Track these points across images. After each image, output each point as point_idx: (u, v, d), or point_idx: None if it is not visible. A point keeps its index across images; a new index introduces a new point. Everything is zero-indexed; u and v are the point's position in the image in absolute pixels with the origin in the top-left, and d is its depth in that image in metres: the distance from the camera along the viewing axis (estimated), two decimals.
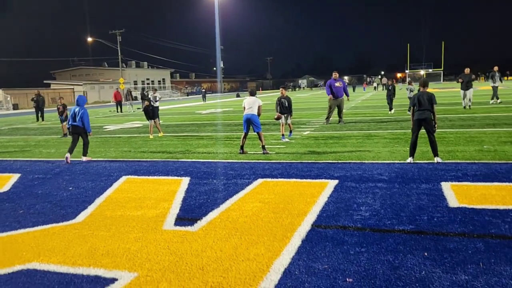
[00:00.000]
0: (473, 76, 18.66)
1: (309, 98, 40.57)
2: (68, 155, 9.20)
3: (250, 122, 9.07)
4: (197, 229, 4.57)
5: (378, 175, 6.59)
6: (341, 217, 4.70)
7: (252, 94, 9.54)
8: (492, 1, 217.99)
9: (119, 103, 29.91)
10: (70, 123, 9.38)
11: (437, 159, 7.26)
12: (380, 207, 4.97)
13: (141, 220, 4.99)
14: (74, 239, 4.45)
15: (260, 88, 28.73)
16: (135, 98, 45.27)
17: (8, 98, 48.50)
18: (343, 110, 15.11)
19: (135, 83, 73.96)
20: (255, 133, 9.22)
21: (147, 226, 4.77)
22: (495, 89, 19.74)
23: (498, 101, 19.37)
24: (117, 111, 29.58)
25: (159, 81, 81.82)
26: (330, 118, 14.89)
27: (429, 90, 7.50)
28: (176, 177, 7.23)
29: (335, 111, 14.82)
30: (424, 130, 7.37)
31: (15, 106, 47.01)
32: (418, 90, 7.60)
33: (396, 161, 7.59)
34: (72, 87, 64.60)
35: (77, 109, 9.20)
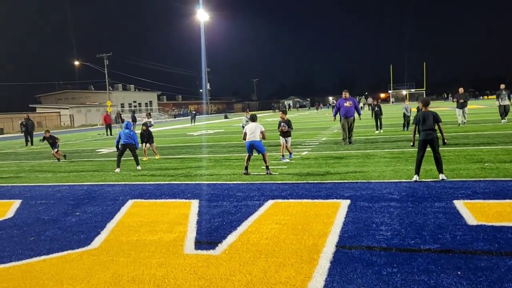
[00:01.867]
0: (467, 95, 19.02)
1: (299, 118, 40.93)
2: (118, 169, 11.00)
3: (253, 148, 9.27)
4: (220, 253, 4.51)
5: (388, 194, 6.64)
6: (363, 237, 4.70)
7: (253, 120, 9.72)
8: (473, 23, 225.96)
9: (108, 126, 29.67)
10: (123, 141, 11.25)
11: (442, 176, 7.36)
12: (399, 226, 4.99)
13: (160, 245, 4.90)
14: (95, 266, 4.34)
15: (248, 110, 28.93)
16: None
17: None
18: (353, 130, 14.38)
19: (122, 105, 73.65)
20: (259, 154, 9.46)
21: (167, 251, 4.69)
22: (502, 108, 18.72)
23: (503, 121, 18.50)
24: (107, 134, 29.30)
25: (146, 104, 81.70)
26: (346, 139, 14.07)
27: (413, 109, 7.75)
28: (184, 200, 7.16)
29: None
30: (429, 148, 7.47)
31: (0, 131, 46.20)
32: (419, 110, 7.76)
33: (402, 180, 7.66)
34: (58, 110, 63.99)
35: (127, 131, 11.32)
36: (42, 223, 6.22)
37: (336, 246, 4.46)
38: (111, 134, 29.09)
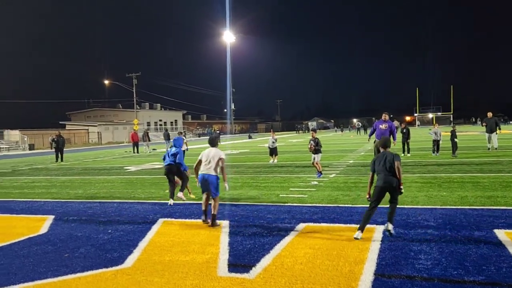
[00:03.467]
0: (496, 120, 18.54)
1: (323, 140, 40.62)
2: (171, 201, 8.76)
3: (206, 184, 6.77)
4: (255, 277, 4.44)
5: (424, 221, 6.44)
6: (401, 265, 4.54)
7: (212, 143, 7.08)
8: (503, 48, 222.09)
9: (135, 144, 30.21)
10: (166, 162, 8.98)
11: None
12: (439, 255, 4.81)
13: (193, 266, 4.87)
14: (130, 286, 4.34)
15: (272, 130, 29.00)
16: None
17: (25, 139, 49.31)
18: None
19: (148, 124, 75.08)
20: (214, 198, 6.77)
21: (200, 273, 4.65)
22: None
23: None
24: (134, 152, 29.80)
25: (171, 122, 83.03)
26: None
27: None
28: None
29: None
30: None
31: (31, 147, 47.68)
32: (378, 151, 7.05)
33: (437, 206, 7.44)
34: (87, 128, 65.72)
35: (174, 150, 8.98)
36: (75, 240, 6.30)
37: (375, 274, 4.33)
38: (137, 152, 29.58)
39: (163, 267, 4.89)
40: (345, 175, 12.30)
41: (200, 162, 7.01)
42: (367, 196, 5.87)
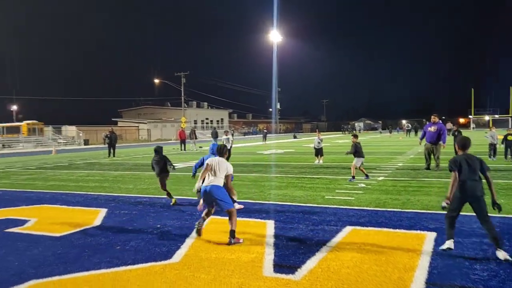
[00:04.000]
0: None
1: (370, 141, 39.71)
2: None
3: (211, 199, 5.86)
4: (300, 278, 4.41)
5: (479, 229, 6.08)
6: (455, 275, 4.33)
7: (221, 153, 6.24)
8: None
9: (183, 142, 30.98)
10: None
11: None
12: (497, 266, 4.54)
13: (238, 264, 4.91)
14: (178, 281, 4.45)
15: (318, 130, 28.63)
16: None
17: (81, 134, 52.00)
18: (439, 156, 13.41)
19: (195, 122, 76.75)
20: (227, 211, 5.91)
21: (246, 271, 4.68)
22: None
23: None
24: (181, 149, 30.58)
25: (217, 121, 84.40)
26: (430, 165, 13.40)
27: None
28: (259, 220, 7.16)
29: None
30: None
31: (86, 142, 50.23)
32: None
33: (494, 215, 7.01)
34: (137, 125, 68.26)
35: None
36: (126, 233, 6.55)
37: (426, 283, 4.16)
38: (184, 149, 30.32)
39: (209, 264, 4.97)
40: (394, 178, 11.93)
41: (208, 167, 6.05)
42: (446, 201, 5.01)
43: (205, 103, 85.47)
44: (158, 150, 9.08)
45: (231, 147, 19.95)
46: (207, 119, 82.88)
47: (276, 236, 6.12)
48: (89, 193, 10.97)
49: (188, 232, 6.46)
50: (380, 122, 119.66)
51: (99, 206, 8.96)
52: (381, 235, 5.98)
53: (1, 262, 5.25)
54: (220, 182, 5.95)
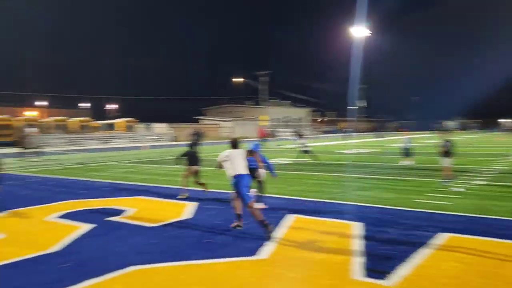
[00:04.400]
0: None
1: (466, 142, 36.79)
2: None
3: (244, 184, 6.42)
4: (393, 284, 4.18)
5: None
6: None
7: (234, 145, 6.93)
8: None
9: (263, 139, 31.38)
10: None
11: None
12: None
13: (327, 265, 4.80)
14: (266, 277, 4.47)
15: (405, 129, 27.03)
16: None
17: (170, 131, 55.18)
18: None
19: (276, 120, 77.38)
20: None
21: (334, 273, 4.55)
22: None
23: None
24: (262, 147, 31.03)
25: (298, 119, 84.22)
26: None
27: None
28: (347, 221, 6.94)
29: None
30: None
31: (174, 138, 53.20)
32: None
33: None
34: (218, 122, 70.68)
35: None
36: (215, 227, 6.76)
37: None
38: (264, 148, 30.70)
39: (298, 262, 4.92)
40: (495, 183, 10.88)
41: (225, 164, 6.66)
42: None
43: (286, 102, 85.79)
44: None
45: (306, 146, 19.54)
46: (287, 117, 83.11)
47: (365, 238, 5.89)
48: (177, 187, 11.53)
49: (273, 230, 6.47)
50: (478, 121, 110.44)
51: (191, 200, 9.35)
52: (484, 244, 5.46)
53: (106, 247, 5.72)
54: (244, 169, 6.68)
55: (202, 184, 10.01)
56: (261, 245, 5.67)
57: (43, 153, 24.36)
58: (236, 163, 6.57)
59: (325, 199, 9.08)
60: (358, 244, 5.60)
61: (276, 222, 6.94)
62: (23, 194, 10.51)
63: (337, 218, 7.21)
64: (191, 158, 9.97)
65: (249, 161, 7.04)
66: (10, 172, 15.75)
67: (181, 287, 4.30)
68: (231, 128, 65.70)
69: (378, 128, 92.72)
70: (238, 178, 6.45)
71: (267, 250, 5.45)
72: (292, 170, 14.99)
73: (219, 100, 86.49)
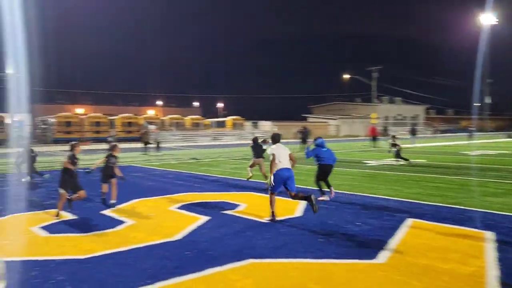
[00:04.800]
0: None
1: None
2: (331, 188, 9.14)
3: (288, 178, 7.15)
4: None
5: None
6: None
7: (275, 140, 7.56)
8: None
9: (374, 138, 30.08)
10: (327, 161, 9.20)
11: None
12: None
13: (454, 277, 4.36)
14: (385, 283, 4.22)
15: None
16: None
17: (275, 129, 56.26)
18: None
19: (387, 118, 73.73)
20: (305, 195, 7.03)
21: (465, 286, 4.11)
22: None
23: None
24: (372, 146, 29.75)
25: (412, 117, 79.14)
26: None
27: None
28: (474, 229, 6.26)
29: None
30: None
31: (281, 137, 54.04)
32: None
33: None
34: (326, 120, 69.81)
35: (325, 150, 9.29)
36: (327, 227, 6.63)
37: None
38: (375, 147, 29.38)
39: (420, 270, 4.56)
40: None
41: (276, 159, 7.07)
42: None
43: (398, 98, 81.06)
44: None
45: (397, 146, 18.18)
46: (400, 115, 78.52)
47: (499, 250, 5.22)
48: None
49: (390, 233, 6.12)
50: None
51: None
52: None
53: (222, 239, 5.98)
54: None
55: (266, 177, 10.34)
56: (377, 248, 5.39)
57: (161, 148, 26.73)
58: (283, 157, 7.14)
59: (448, 204, 8.32)
60: (489, 255, 4.99)
61: (395, 226, 6.55)
62: (149, 185, 11.60)
63: (462, 225, 6.54)
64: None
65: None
66: (136, 165, 17.58)
67: (295, 285, 4.27)
68: (336, 126, 64.51)
69: (507, 127, 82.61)
70: (284, 171, 7.08)
71: (383, 255, 5.15)
72: (407, 172, 14.06)
73: (328, 98, 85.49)
